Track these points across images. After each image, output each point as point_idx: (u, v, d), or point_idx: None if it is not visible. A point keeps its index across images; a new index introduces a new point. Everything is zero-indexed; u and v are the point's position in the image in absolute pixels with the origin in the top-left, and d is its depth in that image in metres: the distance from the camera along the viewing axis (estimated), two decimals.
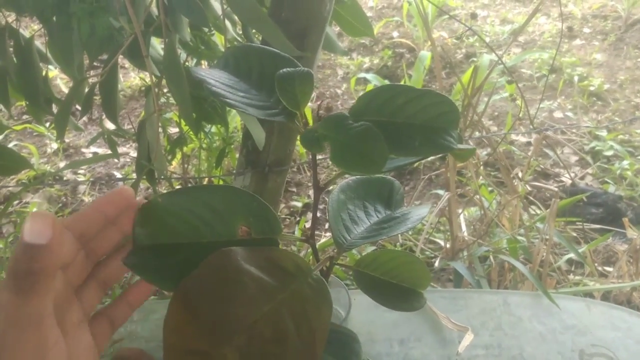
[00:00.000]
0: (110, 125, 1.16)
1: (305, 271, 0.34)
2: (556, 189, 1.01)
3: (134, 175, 1.60)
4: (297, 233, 1.39)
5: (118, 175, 1.75)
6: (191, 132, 0.84)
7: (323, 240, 1.31)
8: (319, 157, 1.86)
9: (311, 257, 0.42)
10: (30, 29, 2.11)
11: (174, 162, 1.28)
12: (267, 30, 0.59)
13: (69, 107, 0.63)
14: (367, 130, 0.28)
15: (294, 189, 1.72)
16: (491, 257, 1.02)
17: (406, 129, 0.31)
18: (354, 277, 0.39)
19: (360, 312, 0.70)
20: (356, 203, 0.46)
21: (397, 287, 0.38)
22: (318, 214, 1.55)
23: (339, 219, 0.43)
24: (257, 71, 0.38)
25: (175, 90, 0.58)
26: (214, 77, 0.36)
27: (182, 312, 0.32)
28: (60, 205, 1.62)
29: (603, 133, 1.84)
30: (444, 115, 0.31)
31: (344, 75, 2.41)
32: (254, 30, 0.78)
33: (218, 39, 0.99)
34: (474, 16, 2.63)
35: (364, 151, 0.28)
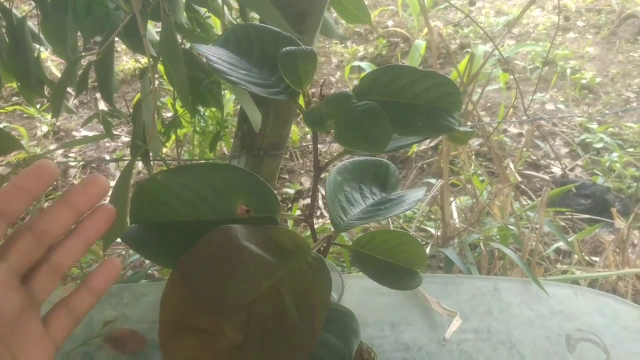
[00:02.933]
0: (102, 109, 1.15)
1: (305, 250, 0.35)
2: (548, 179, 1.02)
3: (126, 158, 1.59)
4: (290, 223, 1.39)
5: (108, 158, 1.73)
6: (184, 117, 0.84)
7: (317, 226, 1.32)
8: (308, 144, 1.86)
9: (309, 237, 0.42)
10: (21, 9, 2.07)
11: (167, 146, 1.28)
12: (265, 12, 0.59)
13: (66, 85, 0.63)
14: (372, 110, 0.29)
15: (287, 176, 1.72)
16: (482, 245, 1.03)
17: (409, 109, 0.31)
18: (351, 256, 0.39)
19: (352, 297, 0.71)
20: (352, 185, 0.46)
21: (393, 266, 0.39)
22: (310, 201, 1.56)
23: (336, 200, 0.43)
24: (259, 50, 0.38)
25: (173, 71, 0.57)
26: (215, 54, 0.36)
27: (181, 289, 0.32)
28: (50, 188, 1.60)
29: (594, 126, 1.86)
30: (447, 97, 0.31)
31: (339, 64, 2.40)
32: (252, 14, 0.77)
33: (214, 22, 0.99)
34: (472, 3, 2.62)
35: (369, 130, 0.28)
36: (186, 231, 0.36)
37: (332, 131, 0.31)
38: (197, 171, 0.37)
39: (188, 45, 0.86)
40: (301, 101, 0.35)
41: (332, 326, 0.34)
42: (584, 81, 2.18)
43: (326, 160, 0.39)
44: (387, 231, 0.39)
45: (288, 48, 0.34)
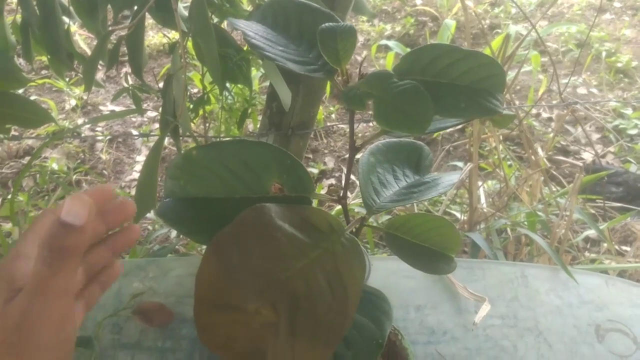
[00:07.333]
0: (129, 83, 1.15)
1: (338, 230, 0.34)
2: (580, 164, 1.00)
3: (153, 133, 1.60)
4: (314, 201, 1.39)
5: (135, 133, 1.75)
6: (213, 93, 0.83)
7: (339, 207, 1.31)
8: (332, 123, 1.84)
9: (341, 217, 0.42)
10: None
11: (194, 122, 1.28)
12: None
13: (97, 60, 0.63)
14: (414, 89, 0.28)
15: (310, 155, 1.71)
16: (508, 230, 1.01)
17: (452, 90, 0.30)
18: (385, 239, 0.39)
19: (378, 278, 0.71)
20: (385, 167, 0.45)
21: (427, 250, 0.38)
22: (334, 181, 1.55)
23: (368, 182, 0.42)
24: (296, 25, 0.37)
25: (204, 46, 0.57)
26: (252, 29, 0.35)
27: (215, 266, 0.32)
28: (78, 161, 1.63)
29: (628, 111, 1.80)
30: (491, 78, 0.30)
31: (365, 42, 2.37)
32: None
33: None
34: None
35: (409, 110, 0.28)
36: (219, 207, 0.36)
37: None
38: (231, 148, 0.37)
39: (216, 20, 0.85)
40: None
41: (364, 308, 0.34)
42: (619, 64, 2.10)
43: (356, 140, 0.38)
44: (421, 214, 0.38)
45: (327, 24, 0.33)
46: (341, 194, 0.39)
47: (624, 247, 1.20)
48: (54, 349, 0.29)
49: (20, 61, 1.82)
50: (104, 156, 1.65)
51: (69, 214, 0.29)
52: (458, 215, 1.20)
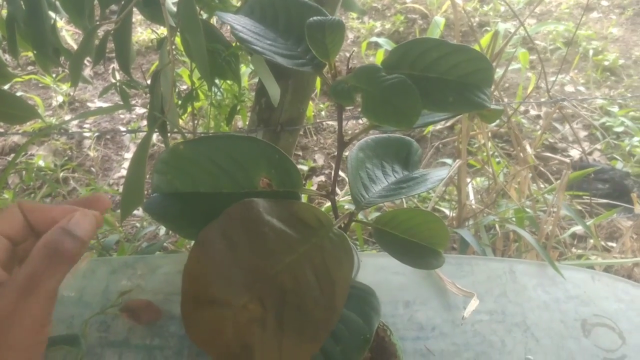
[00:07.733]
0: (117, 79, 1.14)
1: (326, 225, 0.34)
2: (568, 161, 1.01)
3: (142, 130, 1.59)
4: (304, 197, 1.39)
5: (123, 129, 1.74)
6: (201, 89, 0.83)
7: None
8: (322, 120, 1.84)
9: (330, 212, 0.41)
10: None
11: (182, 118, 1.27)
12: None
13: (84, 54, 0.62)
14: (402, 83, 0.28)
15: (300, 153, 1.71)
16: (497, 227, 1.02)
17: (440, 84, 0.30)
18: (373, 234, 0.39)
19: (366, 274, 0.71)
20: (374, 162, 0.45)
21: (415, 245, 0.38)
22: (324, 178, 1.55)
23: (357, 177, 0.42)
24: (284, 19, 0.36)
25: (192, 41, 0.56)
26: (240, 23, 0.35)
27: (202, 261, 0.32)
28: (65, 158, 1.61)
29: (614, 109, 1.82)
30: (479, 72, 0.30)
31: (355, 39, 2.37)
32: None
33: None
34: None
35: (398, 104, 0.27)
36: (207, 202, 0.36)
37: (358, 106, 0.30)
38: (219, 142, 0.36)
39: (205, 16, 0.84)
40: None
41: (353, 303, 0.34)
42: (606, 62, 2.13)
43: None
44: (409, 209, 0.38)
45: (315, 18, 0.33)
46: (330, 190, 0.39)
47: (610, 243, 1.21)
48: (27, 351, 0.29)
49: (5, 57, 1.79)
50: (91, 153, 1.64)
51: (77, 225, 0.31)
52: (447, 212, 1.21)
